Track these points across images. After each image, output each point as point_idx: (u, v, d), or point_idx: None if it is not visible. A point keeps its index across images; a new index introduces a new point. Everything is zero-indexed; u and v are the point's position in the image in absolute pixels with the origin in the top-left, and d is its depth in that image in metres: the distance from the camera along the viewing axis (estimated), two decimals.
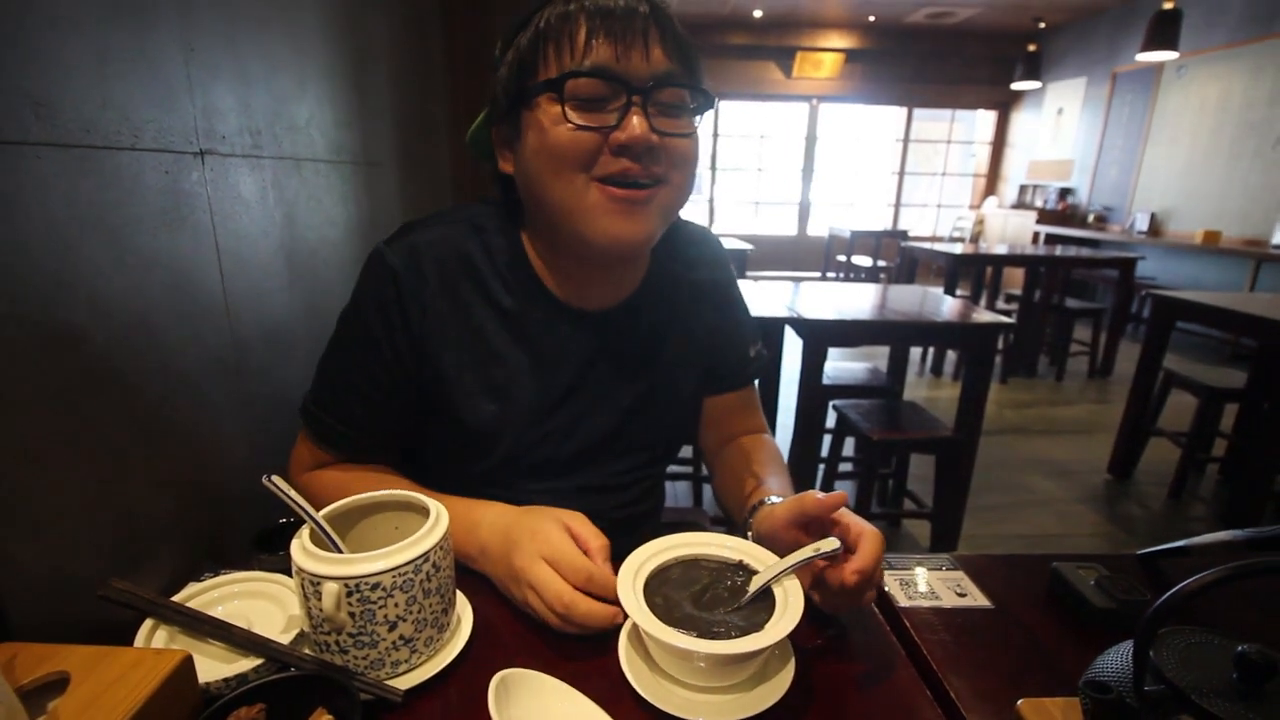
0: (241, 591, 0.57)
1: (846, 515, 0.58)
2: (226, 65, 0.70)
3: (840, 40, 7.70)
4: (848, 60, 7.77)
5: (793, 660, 0.53)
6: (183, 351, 0.64)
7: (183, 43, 0.62)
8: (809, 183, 8.54)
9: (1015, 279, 4.92)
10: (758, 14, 7.14)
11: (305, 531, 0.50)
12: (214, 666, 0.49)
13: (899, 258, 4.93)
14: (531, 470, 0.72)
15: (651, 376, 0.76)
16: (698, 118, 0.64)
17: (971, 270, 4.78)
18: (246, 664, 0.48)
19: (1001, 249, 4.71)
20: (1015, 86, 6.52)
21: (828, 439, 2.53)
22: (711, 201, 8.63)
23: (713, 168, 8.49)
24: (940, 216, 8.91)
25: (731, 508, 0.78)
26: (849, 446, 2.68)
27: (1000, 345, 4.33)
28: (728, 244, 4.42)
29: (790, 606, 0.51)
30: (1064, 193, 7.00)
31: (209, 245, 0.67)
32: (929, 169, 8.90)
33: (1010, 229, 7.19)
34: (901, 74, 7.86)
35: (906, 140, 8.41)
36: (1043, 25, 7.05)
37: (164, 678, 0.39)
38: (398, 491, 0.57)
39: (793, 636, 0.56)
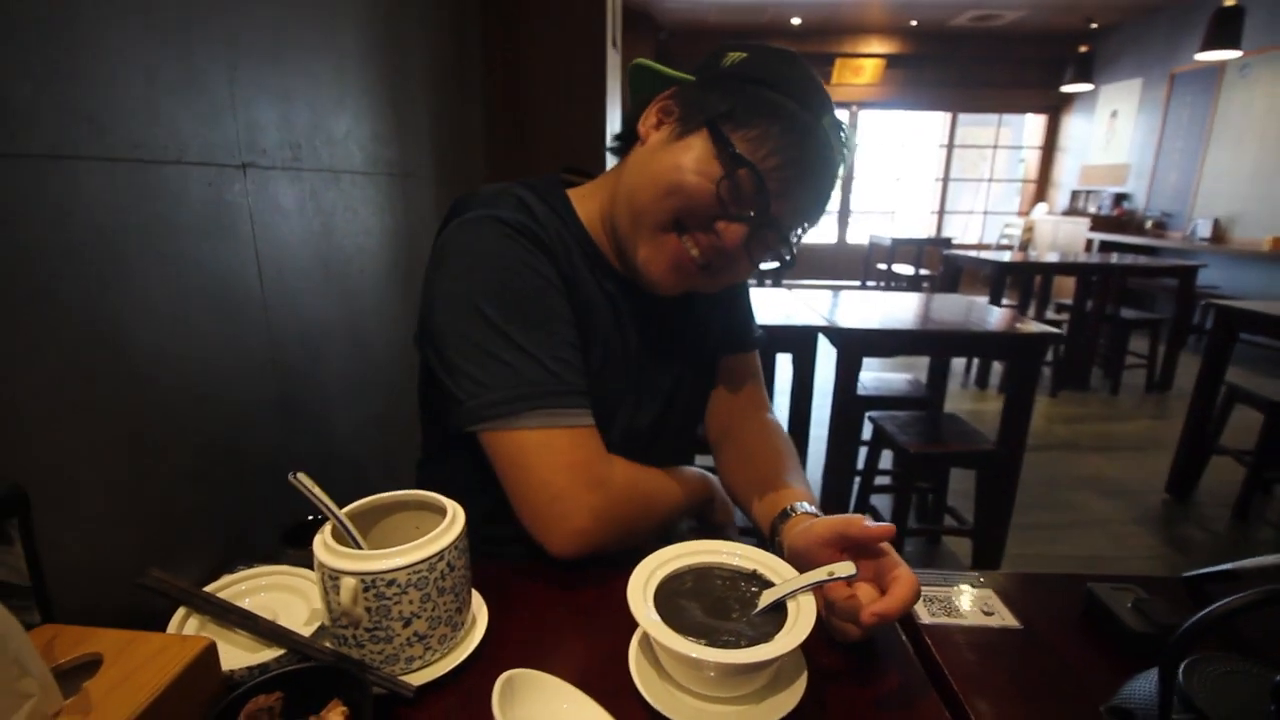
0: (269, 584, 0.59)
1: (889, 551, 0.57)
2: (269, 83, 0.73)
3: (880, 46, 7.59)
4: (888, 66, 7.65)
5: (805, 674, 0.52)
6: (222, 352, 0.67)
7: (228, 63, 0.66)
8: (849, 190, 8.42)
9: (1066, 288, 4.74)
10: (796, 22, 7.10)
11: (328, 528, 0.52)
12: (239, 655, 0.51)
13: (942, 266, 4.81)
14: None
15: (699, 345, 0.81)
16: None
17: (1020, 279, 4.63)
18: (269, 654, 0.50)
19: (1053, 257, 4.53)
20: (1066, 89, 6.32)
21: (864, 452, 2.48)
22: None
23: None
24: (987, 223, 8.66)
25: (747, 503, 0.77)
26: (887, 460, 2.62)
27: (1050, 357, 4.18)
28: None
29: (801, 619, 0.50)
30: (1119, 198, 6.72)
31: (249, 252, 0.71)
32: (974, 175, 8.67)
33: (1062, 236, 6.93)
34: (945, 78, 7.70)
35: (951, 146, 8.22)
36: (1094, 26, 6.81)
37: (188, 663, 0.41)
38: (418, 492, 0.58)
39: (807, 650, 0.55)
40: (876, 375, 2.79)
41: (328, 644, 0.52)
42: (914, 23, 7.18)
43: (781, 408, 2.25)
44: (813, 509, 0.68)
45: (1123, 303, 4.28)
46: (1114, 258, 4.46)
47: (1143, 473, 2.99)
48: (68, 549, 0.50)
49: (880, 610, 0.51)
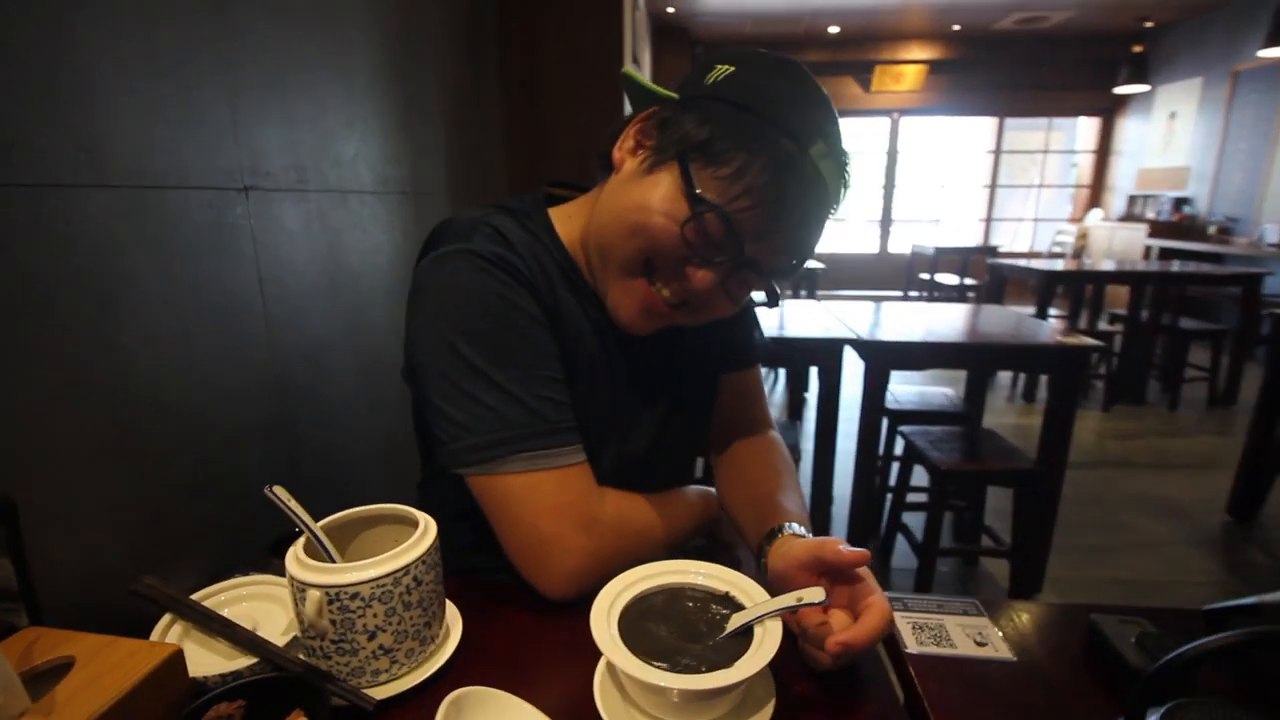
0: (253, 594, 0.61)
1: (866, 577, 0.55)
2: (272, 108, 0.77)
3: (922, 51, 7.44)
4: (931, 71, 7.49)
5: (773, 701, 0.50)
6: (223, 368, 0.70)
7: (228, 89, 0.69)
8: (890, 199, 8.25)
9: (1121, 297, 4.52)
10: (834, 30, 7.03)
11: (302, 540, 0.53)
12: (217, 662, 0.52)
13: (987, 275, 4.65)
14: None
15: (686, 361, 0.77)
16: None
17: (1071, 288, 4.44)
18: (244, 662, 0.51)
19: (1109, 264, 4.33)
20: (1120, 91, 6.06)
21: (895, 468, 2.40)
22: None
23: None
24: (1038, 231, 8.36)
25: (741, 522, 0.75)
26: (920, 476, 2.54)
27: (1103, 370, 3.99)
28: None
29: (765, 644, 0.48)
30: (1179, 203, 6.39)
31: (251, 272, 0.74)
32: (1024, 181, 8.38)
33: (1118, 243, 6.62)
34: (991, 83, 7.49)
35: (998, 151, 7.98)
36: (1149, 24, 6.52)
37: (153, 668, 0.43)
38: (396, 506, 0.59)
39: (779, 676, 0.54)
40: (915, 389, 2.71)
41: (301, 655, 0.53)
42: (956, 27, 7.02)
43: (813, 421, 2.21)
44: (801, 530, 0.66)
45: (1182, 312, 4.06)
46: (1175, 265, 4.24)
47: (1202, 493, 2.81)
48: (64, 556, 0.53)
49: (845, 640, 0.49)
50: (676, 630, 0.52)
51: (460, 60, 1.36)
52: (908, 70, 7.48)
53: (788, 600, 0.51)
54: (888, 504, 2.46)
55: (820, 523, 2.23)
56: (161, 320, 0.62)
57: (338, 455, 0.92)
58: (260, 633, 0.55)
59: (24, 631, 0.46)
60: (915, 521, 2.54)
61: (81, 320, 0.53)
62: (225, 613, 0.57)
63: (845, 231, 8.74)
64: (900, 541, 2.36)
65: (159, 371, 0.62)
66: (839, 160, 0.61)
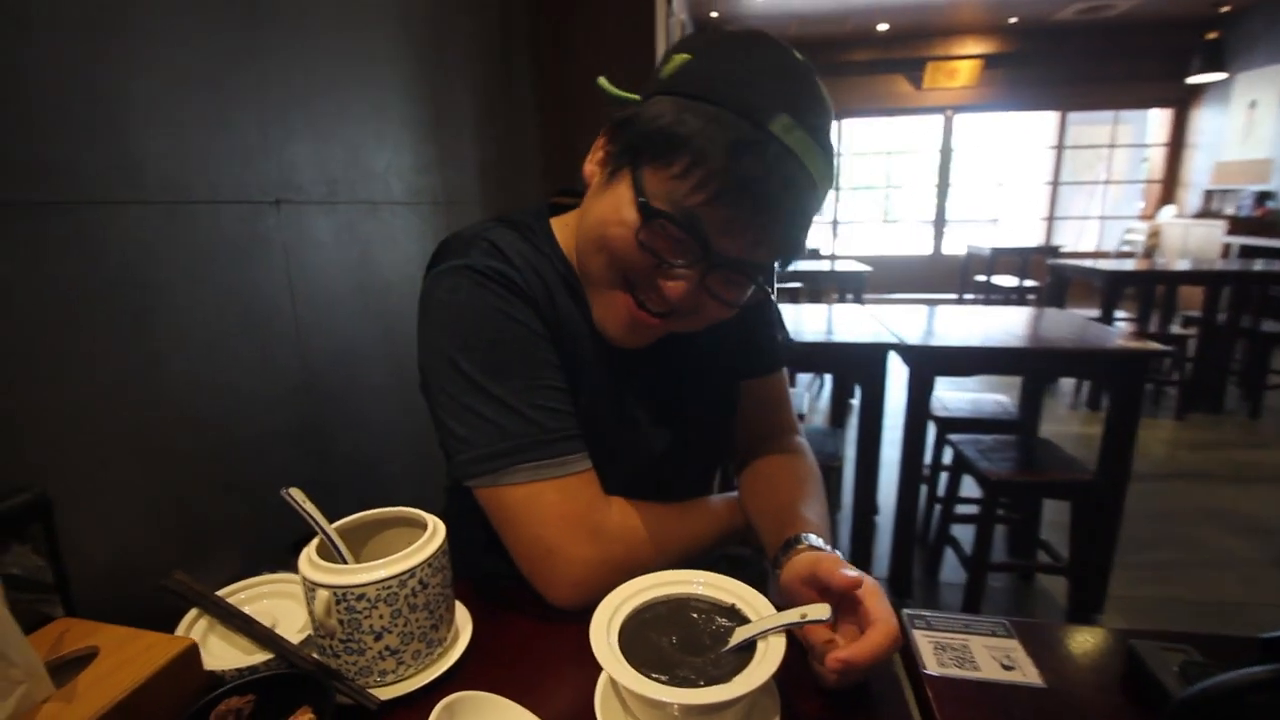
0: (275, 592, 0.63)
1: (871, 598, 0.52)
2: (303, 124, 0.80)
3: (976, 46, 7.18)
4: (986, 66, 7.22)
5: (777, 718, 0.49)
6: (253, 374, 0.73)
7: (259, 108, 0.72)
8: (944, 198, 7.98)
9: (1195, 299, 4.24)
10: (883, 28, 6.87)
11: (316, 541, 0.55)
12: (236, 656, 0.54)
13: (1049, 277, 4.44)
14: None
15: (690, 367, 0.74)
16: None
17: (1140, 290, 4.19)
18: (260, 657, 0.53)
19: (1183, 264, 4.07)
20: (1193, 80, 5.69)
21: (944, 478, 2.31)
22: (835, 223, 8.34)
23: (836, 188, 8.22)
24: (1104, 229, 7.94)
25: (762, 531, 0.73)
26: (971, 487, 2.44)
27: (1176, 376, 3.75)
28: (842, 266, 4.25)
29: (767, 659, 0.47)
30: (1262, 197, 5.95)
31: (282, 281, 0.77)
32: (1089, 177, 7.98)
33: (1194, 241, 6.22)
34: (1051, 76, 7.16)
35: (1060, 147, 7.62)
36: (1225, 9, 6.11)
37: (168, 661, 0.45)
38: (407, 509, 0.60)
39: (787, 694, 0.52)
40: (968, 396, 2.61)
41: (314, 653, 0.55)
42: (1013, 20, 6.75)
43: (856, 429, 2.15)
44: (818, 541, 0.64)
45: (1264, 314, 3.77)
46: (1258, 264, 3.95)
47: None
48: (98, 552, 0.56)
49: (845, 657, 0.47)
50: (679, 642, 0.51)
51: (492, 70, 1.39)
52: (962, 66, 7.24)
53: (791, 616, 0.49)
54: (935, 516, 2.37)
55: (864, 533, 2.17)
56: (194, 328, 0.65)
57: (366, 459, 0.94)
58: (278, 630, 0.57)
59: (57, 622, 0.48)
60: (965, 534, 2.44)
61: (116, 328, 0.57)
62: (247, 609, 0.59)
63: (896, 233, 8.51)
64: (949, 555, 2.27)
65: (191, 376, 0.65)
66: (814, 131, 0.54)
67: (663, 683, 0.46)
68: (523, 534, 0.61)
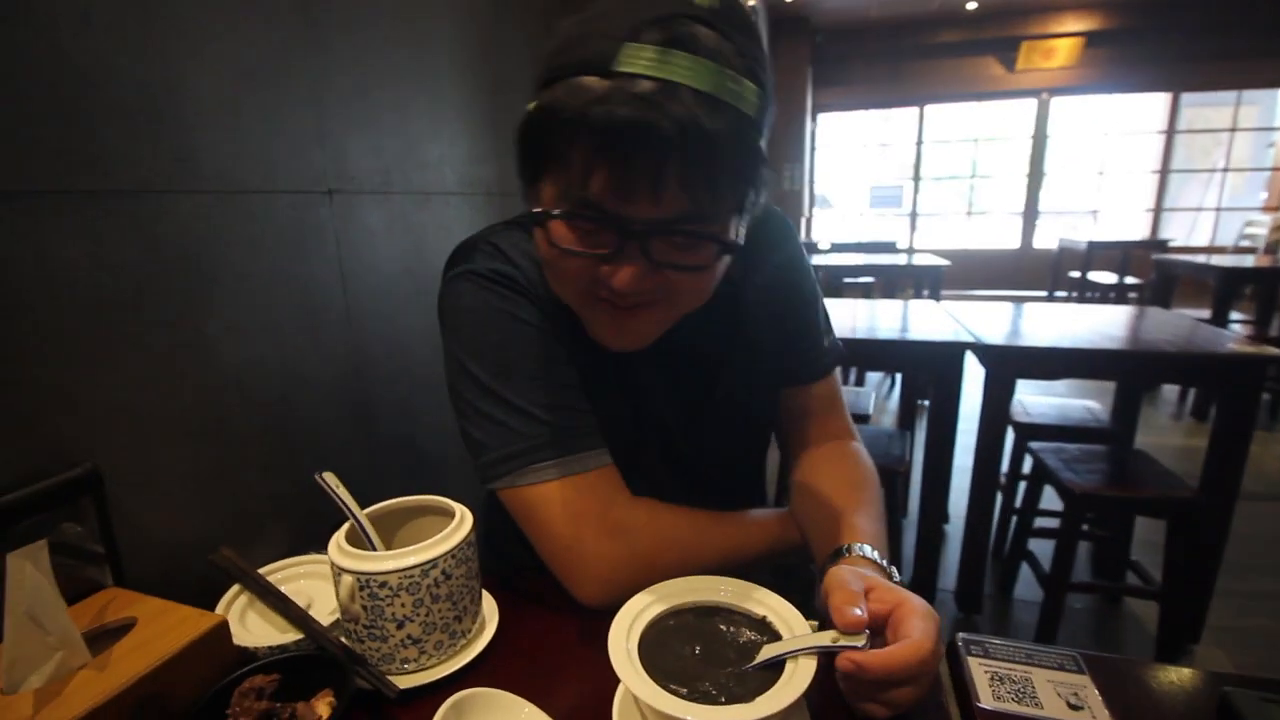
0: (314, 573, 0.64)
1: (910, 616, 0.47)
2: (358, 116, 0.81)
3: (1076, 23, 6.64)
4: (1088, 45, 6.67)
5: None
6: (304, 358, 0.75)
7: (315, 100, 0.74)
8: (1037, 189, 7.46)
9: None
10: (971, 6, 6.47)
11: (346, 526, 0.56)
12: (270, 634, 0.56)
13: (1154, 273, 4.07)
14: None
15: (715, 373, 0.70)
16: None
17: (1261, 289, 3.77)
18: (292, 636, 0.55)
19: None
20: None
21: (1023, 488, 2.16)
22: (914, 215, 7.96)
23: (916, 178, 7.84)
24: (1221, 222, 7.21)
25: (812, 540, 0.68)
26: (1052, 499, 2.26)
27: None
28: (919, 260, 4.04)
29: (795, 680, 0.44)
30: None
31: (334, 269, 0.79)
32: (1204, 165, 7.26)
33: None
34: (1163, 53, 6.53)
35: (1171, 132, 6.97)
36: None
37: (198, 635, 0.46)
38: (438, 498, 0.60)
39: (821, 716, 0.49)
40: (1055, 401, 2.43)
41: (343, 637, 0.55)
42: None
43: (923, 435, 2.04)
44: (870, 551, 0.59)
45: None
46: None
47: None
48: (151, 526, 0.59)
49: (859, 659, 0.43)
50: (703, 653, 0.48)
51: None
52: (1060, 45, 6.72)
53: (823, 639, 0.46)
54: (1011, 529, 2.22)
55: (932, 542, 2.05)
56: (246, 313, 0.67)
57: (415, 447, 0.96)
58: (313, 610, 0.58)
59: (105, 592, 0.51)
60: (1045, 550, 2.27)
61: (171, 313, 0.59)
62: (287, 588, 0.61)
63: (981, 226, 8.04)
64: (1025, 571, 2.12)
65: (244, 360, 0.67)
66: (684, 40, 0.45)
67: (681, 696, 0.44)
68: (544, 532, 0.60)
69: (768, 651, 0.47)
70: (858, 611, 0.46)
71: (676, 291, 0.55)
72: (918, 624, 0.47)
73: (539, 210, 0.52)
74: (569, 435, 0.60)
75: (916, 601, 0.49)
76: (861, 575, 0.52)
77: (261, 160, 0.68)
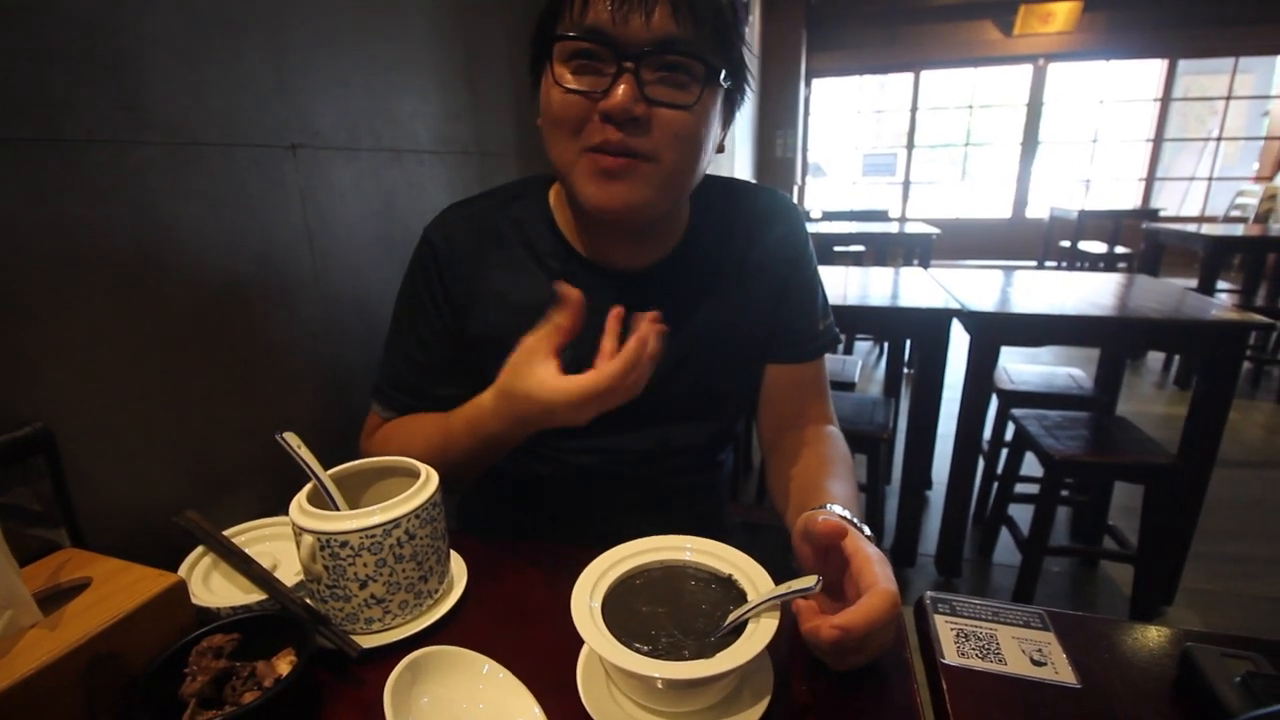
0: (280, 534, 0.64)
1: (867, 564, 0.47)
2: (322, 67, 0.78)
3: None
4: (1086, 8, 6.54)
5: (769, 697, 0.45)
6: (270, 319, 0.73)
7: (275, 49, 0.70)
8: (1031, 157, 7.40)
9: None
10: None
11: (309, 487, 0.55)
12: (234, 595, 0.55)
13: (1143, 243, 4.06)
14: (566, 430, 0.65)
15: (687, 341, 0.71)
16: (712, 88, 0.60)
17: (1248, 259, 3.78)
18: (256, 597, 0.54)
19: None
20: None
21: (1005, 455, 2.18)
22: (906, 183, 7.89)
23: (909, 145, 7.75)
24: (1212, 191, 7.20)
25: (784, 509, 0.70)
26: (1033, 465, 2.29)
27: None
28: (910, 228, 4.01)
29: (757, 634, 0.44)
30: None
31: (299, 228, 0.76)
32: (1198, 133, 7.21)
33: None
34: (1162, 18, 6.42)
35: (1166, 99, 6.89)
36: None
37: (153, 595, 0.45)
38: (404, 459, 0.59)
39: (784, 673, 0.49)
40: (1040, 369, 2.44)
41: (307, 597, 0.55)
42: None
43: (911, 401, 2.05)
44: (844, 511, 0.59)
45: None
46: None
47: None
48: (109, 487, 0.58)
49: (842, 623, 0.43)
50: (667, 612, 0.48)
51: (533, 14, 1.33)
52: (1058, 9, 6.59)
53: (780, 589, 0.46)
54: (992, 494, 2.25)
55: (913, 508, 2.08)
56: (206, 271, 0.65)
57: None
58: (279, 572, 0.57)
59: (61, 552, 0.50)
60: (1025, 515, 2.31)
61: (124, 269, 0.57)
62: (254, 550, 0.60)
63: (973, 194, 7.98)
64: (1005, 536, 2.15)
65: (206, 319, 0.65)
66: None
67: (644, 654, 0.43)
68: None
69: (733, 616, 0.47)
70: (834, 522, 0.50)
71: (664, 139, 0.58)
72: (880, 569, 0.47)
73: (546, 39, 0.59)
74: (383, 386, 0.75)
75: (871, 549, 0.49)
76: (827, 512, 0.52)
77: (218, 111, 0.65)
